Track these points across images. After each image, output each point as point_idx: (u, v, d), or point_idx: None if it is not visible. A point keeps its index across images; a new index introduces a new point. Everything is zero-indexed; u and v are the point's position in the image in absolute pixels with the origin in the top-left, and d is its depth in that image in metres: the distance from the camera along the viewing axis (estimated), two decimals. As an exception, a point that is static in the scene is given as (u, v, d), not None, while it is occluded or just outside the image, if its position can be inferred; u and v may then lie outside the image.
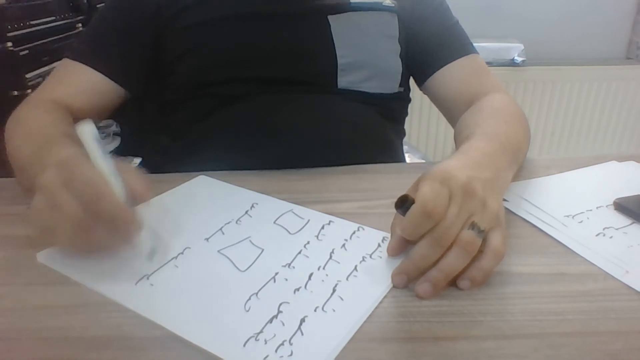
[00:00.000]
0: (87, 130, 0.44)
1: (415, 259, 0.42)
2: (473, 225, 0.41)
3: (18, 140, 0.61)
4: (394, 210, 0.44)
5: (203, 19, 0.72)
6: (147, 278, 0.43)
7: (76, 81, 0.71)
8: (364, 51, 0.75)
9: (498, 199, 0.46)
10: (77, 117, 0.67)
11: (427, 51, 0.78)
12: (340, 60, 0.73)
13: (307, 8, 0.74)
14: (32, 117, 0.64)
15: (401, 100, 0.82)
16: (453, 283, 0.42)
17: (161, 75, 0.76)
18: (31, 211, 0.43)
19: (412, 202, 0.42)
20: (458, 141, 0.63)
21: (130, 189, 0.43)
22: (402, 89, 0.80)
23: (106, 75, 0.72)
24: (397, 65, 0.77)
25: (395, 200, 0.43)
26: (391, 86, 0.78)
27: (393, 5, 0.77)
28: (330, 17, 0.74)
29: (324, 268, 0.45)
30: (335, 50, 0.73)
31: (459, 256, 0.41)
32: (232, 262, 0.46)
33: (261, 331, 0.37)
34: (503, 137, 0.56)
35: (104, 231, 0.42)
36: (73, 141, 0.49)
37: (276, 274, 0.44)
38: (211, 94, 0.72)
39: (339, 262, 0.46)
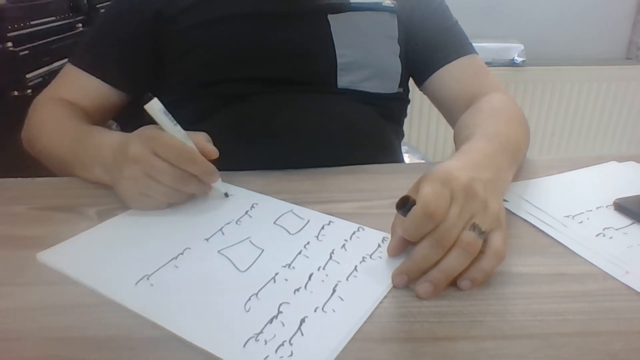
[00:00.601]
0: (155, 106, 0.52)
1: (416, 259, 0.42)
2: (474, 227, 0.41)
3: (48, 136, 0.68)
4: (394, 211, 0.44)
5: (203, 19, 0.72)
6: (147, 278, 0.43)
7: (78, 86, 0.75)
8: (364, 51, 0.75)
9: (499, 199, 0.46)
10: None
11: (426, 51, 0.78)
12: (340, 60, 0.73)
13: (307, 8, 0.74)
14: (54, 113, 0.71)
15: (400, 100, 0.82)
16: (453, 283, 0.42)
17: (161, 75, 0.77)
18: (125, 182, 0.52)
19: (413, 203, 0.42)
20: (458, 141, 0.63)
21: (200, 148, 0.53)
22: (401, 90, 0.80)
23: (105, 82, 0.74)
24: (396, 66, 0.77)
25: (395, 200, 0.43)
26: (391, 86, 0.78)
27: (393, 5, 0.77)
28: (330, 17, 0.74)
29: (324, 268, 0.45)
30: (335, 49, 0.73)
31: (459, 257, 0.41)
32: (232, 262, 0.46)
33: (261, 331, 0.37)
34: (503, 138, 0.56)
35: (194, 185, 0.53)
36: (102, 130, 0.62)
37: (276, 274, 0.44)
38: (211, 94, 0.72)
39: (339, 263, 0.46)
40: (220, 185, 0.56)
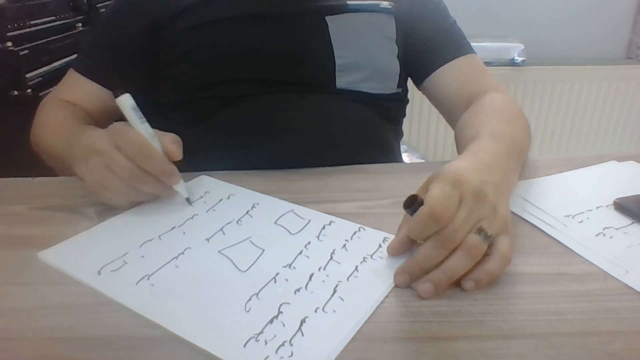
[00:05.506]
0: (126, 101, 0.53)
1: (419, 259, 0.42)
2: (480, 230, 0.41)
3: (50, 135, 0.71)
4: (394, 211, 0.44)
5: (201, 22, 0.72)
6: (147, 278, 0.43)
7: (80, 90, 0.77)
8: (362, 52, 0.75)
9: (507, 203, 0.46)
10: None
11: (424, 51, 0.78)
12: (338, 61, 0.73)
13: (305, 9, 0.74)
14: (55, 115, 0.73)
15: (399, 101, 0.82)
16: (455, 284, 0.42)
17: (160, 77, 0.77)
18: (87, 172, 0.53)
19: (421, 202, 0.42)
20: (461, 140, 0.62)
21: (164, 149, 0.53)
22: (399, 90, 0.80)
23: (103, 86, 0.75)
24: (394, 66, 0.77)
25: (395, 200, 0.43)
26: (389, 87, 0.78)
27: (390, 6, 0.77)
28: (327, 18, 0.74)
29: (324, 268, 0.45)
30: (333, 51, 0.73)
31: (462, 259, 0.41)
32: (232, 262, 0.46)
33: (261, 332, 0.37)
34: (509, 138, 0.56)
35: (151, 184, 0.52)
36: (95, 128, 0.62)
37: (277, 274, 0.44)
38: (211, 96, 0.72)
39: (339, 263, 0.46)
40: (182, 189, 0.55)
